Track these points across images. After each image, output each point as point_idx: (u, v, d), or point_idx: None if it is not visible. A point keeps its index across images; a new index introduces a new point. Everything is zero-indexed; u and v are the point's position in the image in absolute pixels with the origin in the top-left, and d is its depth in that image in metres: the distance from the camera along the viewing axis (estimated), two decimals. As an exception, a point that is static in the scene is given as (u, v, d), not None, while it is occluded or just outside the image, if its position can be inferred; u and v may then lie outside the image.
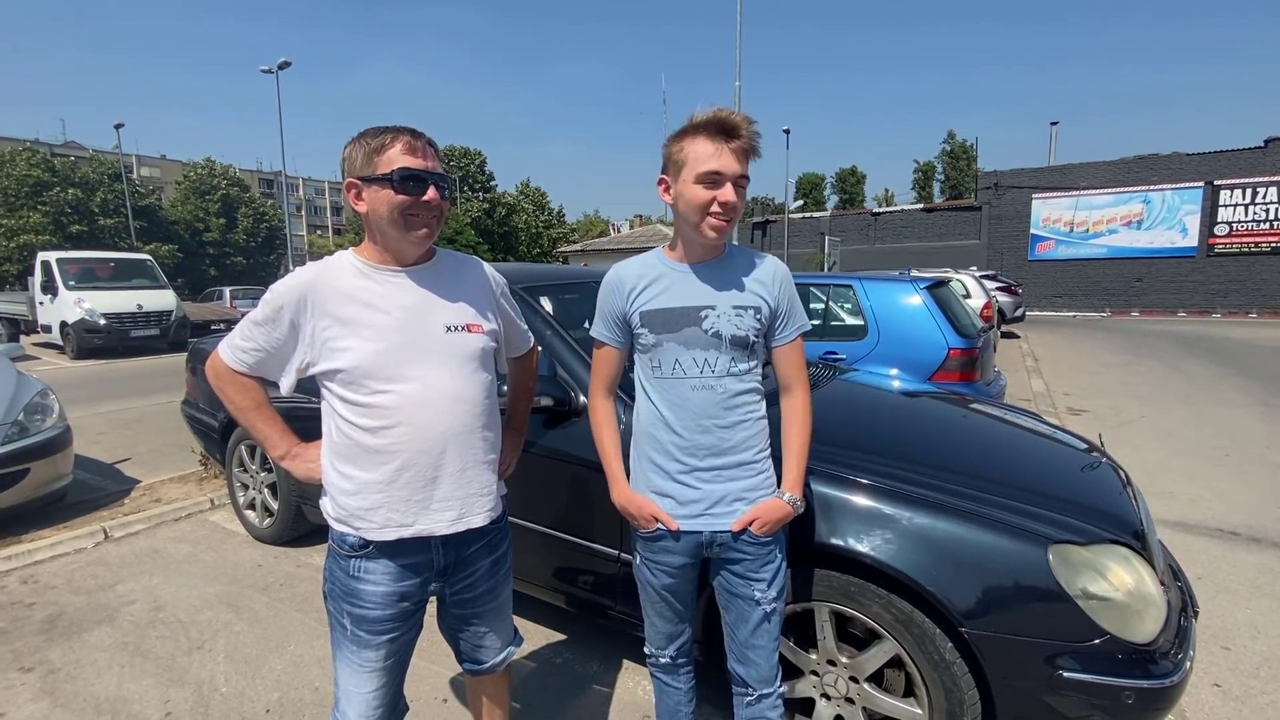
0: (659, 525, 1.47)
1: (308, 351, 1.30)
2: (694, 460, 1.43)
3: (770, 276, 1.45)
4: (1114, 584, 1.56)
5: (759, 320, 1.42)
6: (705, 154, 1.31)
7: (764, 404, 1.48)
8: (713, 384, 1.41)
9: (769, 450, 1.49)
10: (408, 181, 1.22)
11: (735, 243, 1.50)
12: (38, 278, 12.89)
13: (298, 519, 3.31)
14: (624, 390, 2.17)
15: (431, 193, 1.25)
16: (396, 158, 1.23)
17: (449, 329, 1.33)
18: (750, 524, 1.43)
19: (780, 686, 1.54)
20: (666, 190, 1.41)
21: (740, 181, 1.33)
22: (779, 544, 1.49)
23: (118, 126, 30.30)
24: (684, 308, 1.41)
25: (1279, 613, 2.73)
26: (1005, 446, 2.40)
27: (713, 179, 1.31)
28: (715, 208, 1.32)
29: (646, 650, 1.65)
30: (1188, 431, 5.70)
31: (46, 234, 31.58)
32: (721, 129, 1.31)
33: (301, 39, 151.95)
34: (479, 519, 1.38)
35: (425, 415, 1.29)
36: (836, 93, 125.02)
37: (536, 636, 2.58)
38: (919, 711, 1.68)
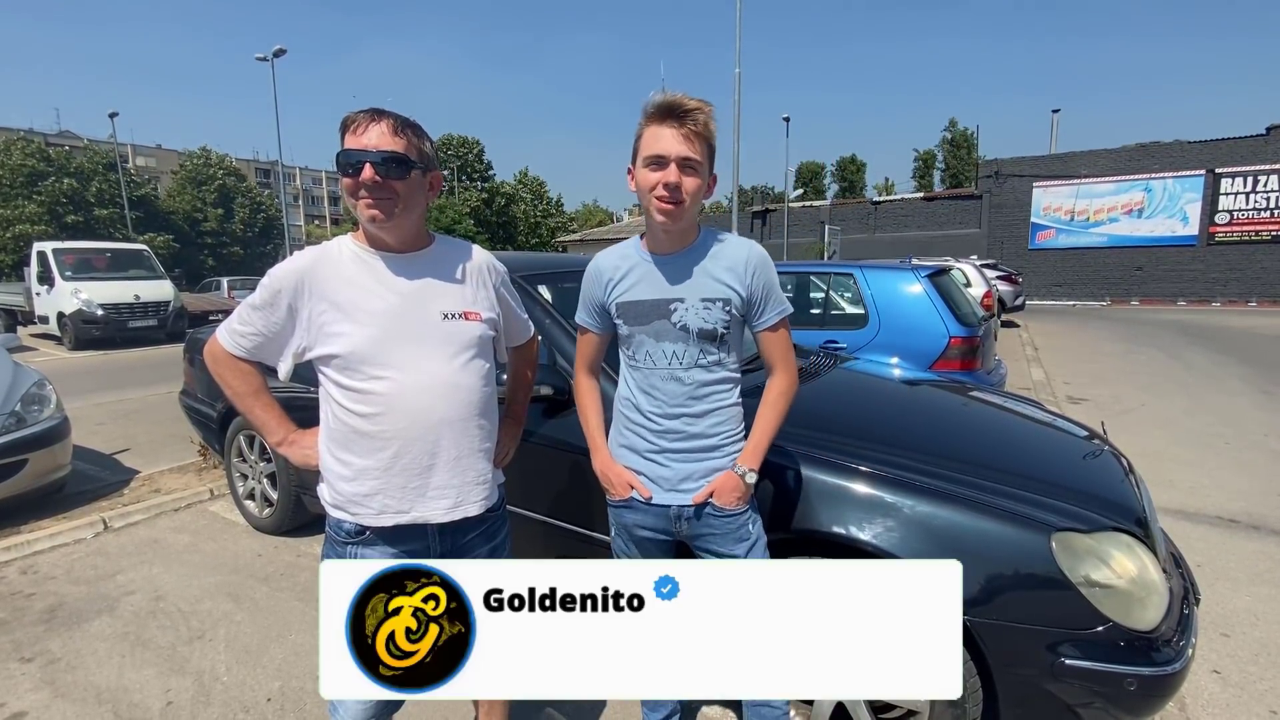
0: (633, 494, 1.51)
1: (304, 336, 1.28)
2: (664, 442, 1.48)
3: (743, 265, 1.43)
4: (1117, 571, 1.55)
5: (728, 312, 1.42)
6: (651, 138, 1.34)
7: (737, 392, 1.51)
8: (680, 375, 1.45)
9: (742, 435, 1.52)
10: (347, 165, 1.22)
11: (720, 229, 1.51)
12: (34, 268, 12.83)
13: (297, 509, 3.30)
14: (611, 366, 2.17)
15: (366, 172, 1.20)
16: (345, 142, 1.23)
17: (446, 316, 1.32)
18: (709, 497, 1.46)
19: None
20: (632, 179, 1.42)
21: (687, 164, 1.32)
22: (750, 518, 1.51)
23: (112, 116, 30.06)
24: (654, 300, 1.44)
25: (1278, 600, 2.74)
26: (1007, 434, 2.40)
27: (657, 161, 1.33)
28: (660, 190, 1.32)
29: None
30: (1187, 420, 5.70)
31: (42, 224, 31.45)
32: (668, 113, 1.33)
33: (297, 26, 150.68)
34: (475, 507, 1.38)
35: (420, 402, 1.28)
36: (837, 81, 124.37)
37: (537, 625, 2.57)
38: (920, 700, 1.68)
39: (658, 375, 1.46)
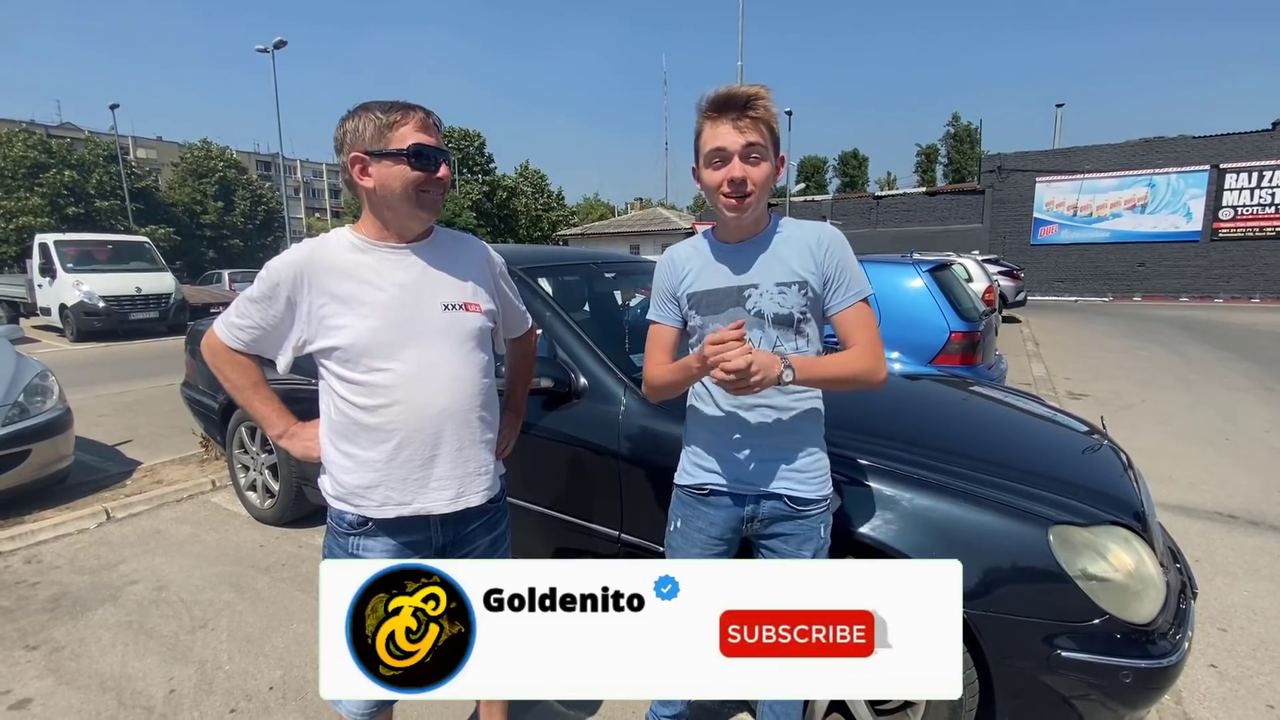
0: (709, 478, 1.44)
1: (304, 329, 1.28)
2: (741, 436, 1.42)
3: (817, 246, 1.38)
4: (1114, 565, 1.56)
5: (806, 296, 1.36)
6: (709, 135, 1.31)
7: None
8: None
9: (821, 432, 1.46)
10: (423, 158, 1.23)
11: (782, 216, 1.46)
12: (36, 260, 12.84)
13: (298, 500, 3.32)
14: (625, 372, 2.17)
15: (444, 169, 1.26)
16: (410, 134, 1.23)
17: (446, 307, 1.32)
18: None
19: None
20: (697, 178, 1.40)
21: (751, 151, 1.28)
22: (825, 522, 1.46)
23: (113, 107, 30.01)
24: (727, 288, 1.39)
25: (1276, 595, 2.75)
26: (1006, 429, 2.40)
27: (719, 157, 1.30)
28: (725, 186, 1.30)
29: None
30: (1188, 416, 5.70)
31: (44, 216, 31.38)
32: (724, 105, 1.30)
33: (298, 19, 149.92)
34: (477, 498, 1.38)
35: (422, 394, 1.28)
36: (839, 75, 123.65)
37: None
38: (917, 691, 1.69)
39: None
